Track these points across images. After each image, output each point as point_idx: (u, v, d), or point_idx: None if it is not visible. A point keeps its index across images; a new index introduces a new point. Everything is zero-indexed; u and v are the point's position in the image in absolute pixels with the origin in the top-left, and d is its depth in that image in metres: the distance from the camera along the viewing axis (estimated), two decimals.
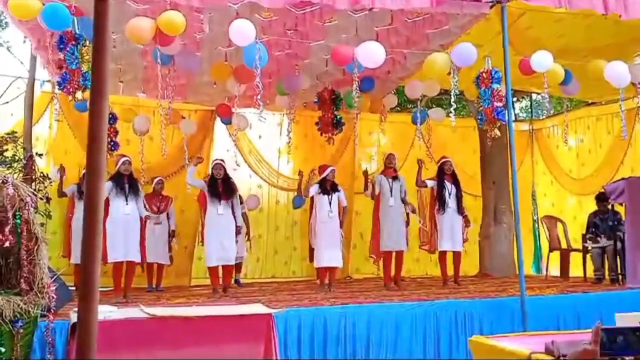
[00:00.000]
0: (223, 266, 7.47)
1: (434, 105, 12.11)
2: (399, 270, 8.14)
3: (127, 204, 7.09)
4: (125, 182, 7.18)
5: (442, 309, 6.19)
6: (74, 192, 8.10)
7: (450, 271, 8.29)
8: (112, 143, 8.04)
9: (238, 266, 8.84)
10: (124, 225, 7.02)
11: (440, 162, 8.38)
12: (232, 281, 8.17)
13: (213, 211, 7.37)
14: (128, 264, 7.16)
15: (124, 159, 7.39)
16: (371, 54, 6.28)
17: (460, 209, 8.17)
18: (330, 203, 7.76)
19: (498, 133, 6.57)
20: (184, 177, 9.29)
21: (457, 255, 8.29)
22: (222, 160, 7.80)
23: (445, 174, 8.26)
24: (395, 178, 8.10)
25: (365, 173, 8.36)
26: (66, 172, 8.12)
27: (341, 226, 7.92)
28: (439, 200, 8.16)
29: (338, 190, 7.90)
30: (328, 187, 7.82)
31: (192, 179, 7.65)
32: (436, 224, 8.25)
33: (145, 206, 7.56)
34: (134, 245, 7.10)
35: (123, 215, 7.04)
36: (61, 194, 8.08)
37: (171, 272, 9.07)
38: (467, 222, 8.39)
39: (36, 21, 5.56)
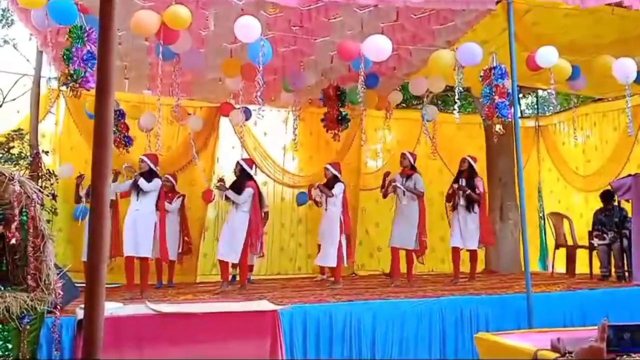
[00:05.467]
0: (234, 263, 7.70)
1: (439, 102, 12.10)
2: (409, 269, 8.15)
3: (137, 200, 7.20)
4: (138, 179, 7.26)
5: (448, 306, 6.19)
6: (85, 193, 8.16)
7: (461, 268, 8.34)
8: (126, 138, 8.09)
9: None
10: (133, 221, 7.13)
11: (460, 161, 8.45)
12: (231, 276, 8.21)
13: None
14: (141, 260, 7.19)
15: (140, 157, 7.52)
16: (377, 48, 6.27)
17: (469, 207, 8.15)
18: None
19: (501, 129, 6.55)
20: (190, 173, 9.38)
21: (470, 253, 8.34)
22: (247, 159, 8.04)
23: (461, 172, 8.29)
24: (409, 177, 8.09)
25: (386, 175, 8.27)
26: (83, 180, 8.17)
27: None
28: (453, 198, 8.22)
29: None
30: None
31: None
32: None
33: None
34: (146, 241, 7.15)
35: (133, 211, 7.18)
36: (78, 200, 8.13)
37: (177, 268, 9.09)
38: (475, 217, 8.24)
39: (42, 18, 5.56)
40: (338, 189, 7.85)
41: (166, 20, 5.78)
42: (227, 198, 7.60)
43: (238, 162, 7.80)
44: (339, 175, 8.01)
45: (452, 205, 8.33)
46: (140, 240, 7.11)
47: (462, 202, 8.14)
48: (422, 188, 8.08)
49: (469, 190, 8.13)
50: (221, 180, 7.82)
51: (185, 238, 8.73)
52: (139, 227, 7.12)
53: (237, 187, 7.54)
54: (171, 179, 8.54)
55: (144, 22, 5.79)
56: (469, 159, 8.34)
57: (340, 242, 7.74)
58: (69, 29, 5.46)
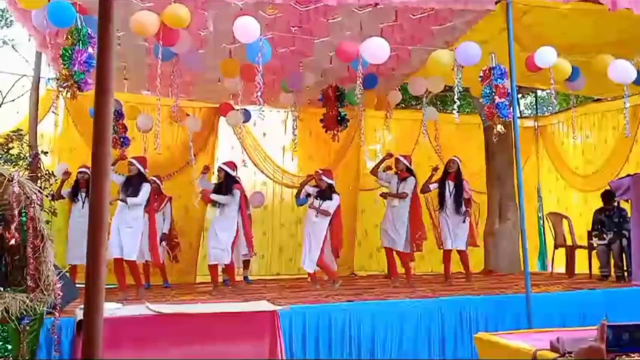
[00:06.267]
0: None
1: (438, 102, 12.11)
2: (406, 270, 8.19)
3: (124, 202, 7.15)
4: (128, 183, 7.23)
5: (447, 306, 6.19)
6: (69, 194, 8.15)
7: (456, 269, 8.36)
8: (122, 139, 8.07)
9: (246, 264, 8.94)
10: (120, 224, 7.09)
11: (447, 160, 8.44)
12: (221, 279, 8.23)
13: (212, 212, 7.61)
14: (129, 262, 7.18)
15: (128, 160, 7.48)
16: (375, 50, 6.27)
17: (457, 209, 8.16)
18: None
19: (502, 129, 6.55)
20: (189, 174, 9.35)
21: (460, 254, 8.34)
22: (228, 163, 7.98)
23: (448, 173, 8.28)
24: (404, 179, 8.11)
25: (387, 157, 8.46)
26: (70, 177, 8.20)
27: None
28: (439, 199, 8.28)
29: None
30: None
31: (204, 184, 8.11)
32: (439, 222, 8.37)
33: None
34: (134, 245, 7.14)
35: (119, 214, 7.13)
36: (59, 196, 8.09)
37: (176, 269, 9.09)
38: (464, 218, 8.27)
39: (40, 19, 5.56)
40: (333, 203, 7.83)
41: (165, 20, 5.79)
42: (214, 203, 7.65)
43: (221, 168, 7.82)
44: (334, 185, 8.00)
45: (439, 206, 8.37)
46: (127, 244, 7.08)
47: (450, 204, 8.17)
48: (409, 190, 8.07)
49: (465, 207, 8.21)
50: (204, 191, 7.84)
51: (174, 240, 8.70)
52: (126, 230, 7.10)
53: (224, 190, 7.57)
54: (157, 181, 8.47)
55: (144, 23, 5.79)
56: (458, 160, 8.36)
57: (323, 249, 7.75)
58: (70, 30, 5.46)
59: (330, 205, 7.79)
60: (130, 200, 7.08)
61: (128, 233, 7.09)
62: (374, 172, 8.50)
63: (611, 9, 6.10)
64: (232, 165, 7.96)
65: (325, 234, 7.81)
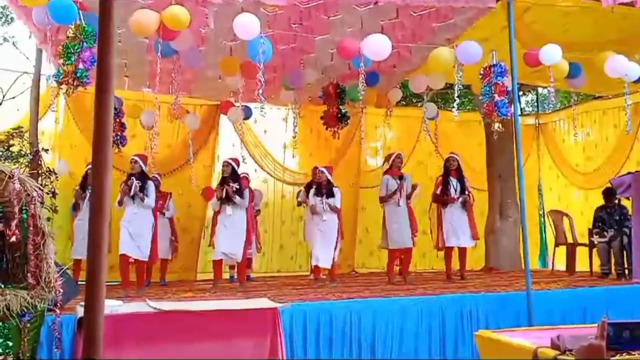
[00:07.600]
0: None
1: (439, 99, 12.10)
2: (406, 266, 8.20)
3: (134, 203, 7.16)
4: (133, 182, 7.21)
5: (448, 304, 6.19)
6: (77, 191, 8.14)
7: (455, 266, 8.35)
8: (119, 138, 8.05)
9: (249, 262, 8.95)
10: (132, 224, 7.10)
11: (446, 158, 8.43)
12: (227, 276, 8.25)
13: (222, 210, 7.53)
14: (137, 260, 7.19)
15: (131, 158, 7.46)
16: (377, 46, 6.27)
17: (463, 205, 8.18)
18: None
19: (500, 127, 6.54)
20: (189, 171, 9.34)
21: (462, 251, 8.34)
22: (233, 159, 7.91)
23: (450, 170, 8.29)
24: (401, 177, 8.11)
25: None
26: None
27: None
28: (444, 197, 8.25)
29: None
30: None
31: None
32: (442, 220, 8.30)
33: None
34: (143, 244, 7.14)
35: (132, 215, 7.13)
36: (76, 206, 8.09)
37: (177, 266, 9.09)
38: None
39: (43, 16, 5.56)
40: (339, 197, 7.82)
41: (165, 21, 5.77)
42: (227, 201, 7.56)
43: (229, 163, 7.73)
44: (331, 180, 7.97)
45: (443, 204, 8.32)
46: (139, 243, 7.10)
47: (458, 201, 8.17)
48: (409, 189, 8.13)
49: (468, 197, 8.25)
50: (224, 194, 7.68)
51: (172, 237, 8.70)
52: (138, 230, 7.11)
53: (238, 189, 7.52)
54: (159, 177, 8.48)
55: (142, 23, 5.77)
56: (457, 157, 8.37)
57: (336, 244, 7.75)
58: (74, 26, 5.46)
59: (336, 201, 7.79)
60: (147, 202, 7.13)
61: (142, 234, 7.12)
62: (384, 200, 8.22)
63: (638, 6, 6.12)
64: (237, 161, 7.96)
65: (338, 230, 7.79)
